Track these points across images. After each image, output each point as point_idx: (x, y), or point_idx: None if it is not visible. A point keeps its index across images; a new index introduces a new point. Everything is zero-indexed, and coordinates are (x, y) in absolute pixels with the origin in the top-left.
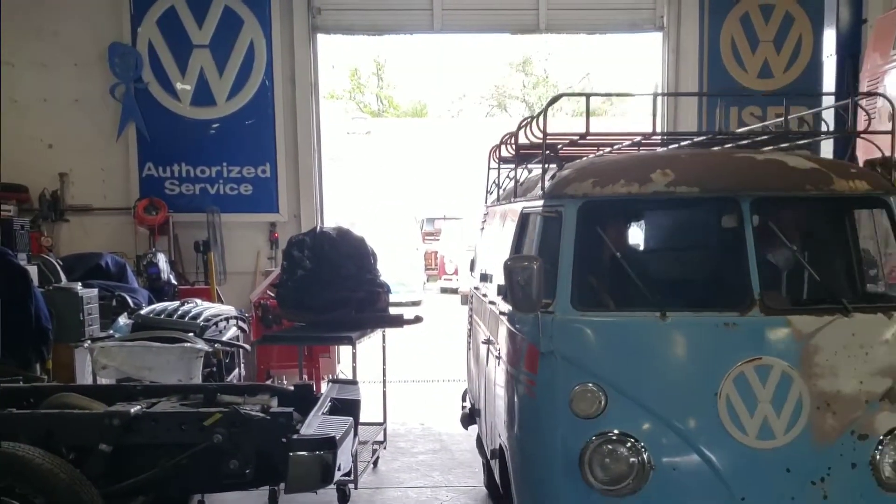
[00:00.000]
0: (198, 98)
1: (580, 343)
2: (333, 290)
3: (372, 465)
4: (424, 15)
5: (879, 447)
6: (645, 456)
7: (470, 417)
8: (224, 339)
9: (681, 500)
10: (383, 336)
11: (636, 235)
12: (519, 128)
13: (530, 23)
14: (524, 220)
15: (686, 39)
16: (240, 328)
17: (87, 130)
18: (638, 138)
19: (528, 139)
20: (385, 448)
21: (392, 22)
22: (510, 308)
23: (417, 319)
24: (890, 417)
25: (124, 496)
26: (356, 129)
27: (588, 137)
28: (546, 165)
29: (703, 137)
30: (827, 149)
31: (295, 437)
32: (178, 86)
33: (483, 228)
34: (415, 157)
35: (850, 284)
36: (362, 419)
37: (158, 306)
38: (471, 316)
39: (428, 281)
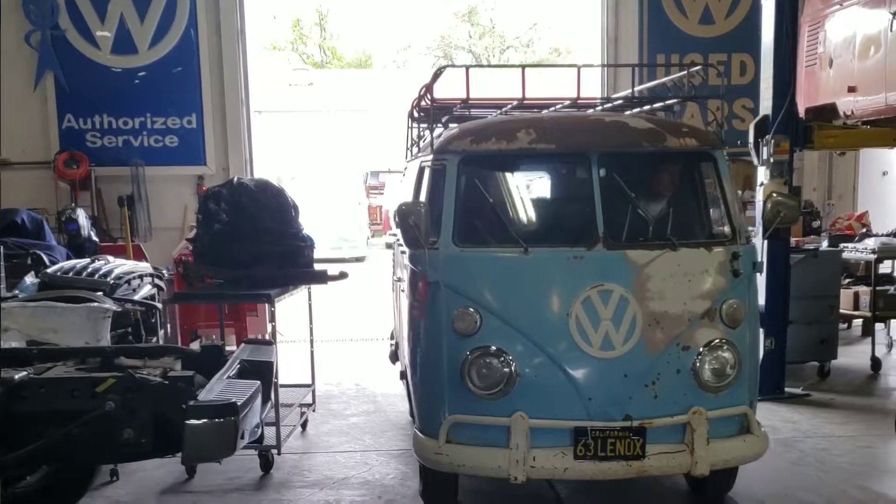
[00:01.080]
0: (119, 46)
1: (460, 273)
2: (252, 244)
3: (300, 429)
4: None
5: (699, 356)
6: (512, 366)
7: (395, 354)
8: (137, 297)
9: (541, 400)
10: (309, 293)
11: (507, 184)
12: (419, 92)
13: None
14: (421, 172)
15: None
16: (156, 286)
17: (3, 81)
18: (515, 103)
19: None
20: (314, 411)
21: None
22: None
23: (342, 275)
24: (708, 332)
25: (19, 467)
26: (298, 80)
27: (470, 102)
28: (434, 125)
29: (568, 101)
30: None
31: (192, 403)
32: (98, 33)
33: (401, 182)
34: (359, 109)
35: (696, 226)
36: (291, 380)
37: (67, 264)
38: (393, 262)
39: (373, 236)
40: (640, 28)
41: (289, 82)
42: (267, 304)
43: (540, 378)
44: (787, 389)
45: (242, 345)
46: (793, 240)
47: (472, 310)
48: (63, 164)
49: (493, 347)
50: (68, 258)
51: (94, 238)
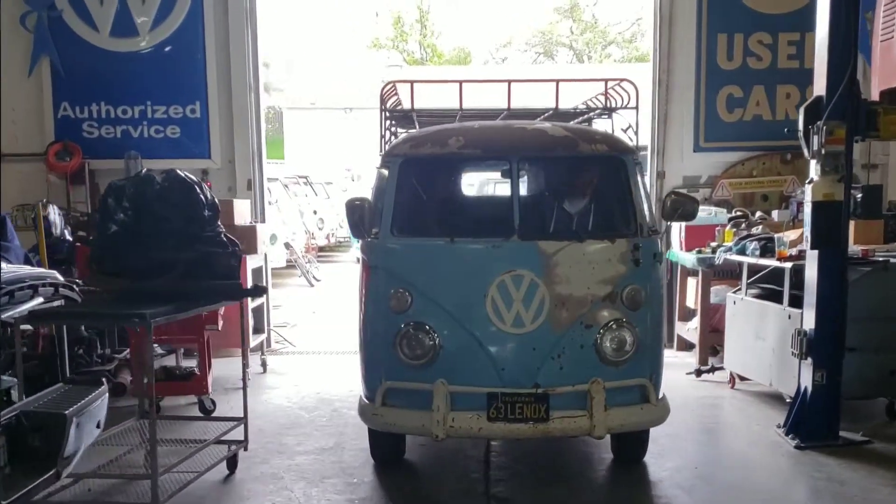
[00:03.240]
0: (118, 28)
1: (395, 259)
2: (154, 250)
3: (227, 471)
4: None
5: (600, 333)
6: (437, 339)
7: None
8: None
9: (461, 369)
10: (241, 306)
11: (439, 183)
12: (381, 98)
13: None
14: (378, 173)
15: None
16: (63, 297)
17: None
18: (458, 115)
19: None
20: (245, 450)
21: None
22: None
23: (258, 291)
24: (609, 313)
25: None
26: (390, 77)
27: (414, 112)
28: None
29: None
30: None
31: None
32: (96, 13)
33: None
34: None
35: (603, 220)
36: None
37: None
38: None
39: None
40: (698, 4)
41: (381, 79)
42: (144, 328)
43: (460, 350)
44: (842, 434)
45: (59, 385)
46: (859, 248)
47: (404, 290)
48: (55, 156)
49: (421, 323)
50: (26, 260)
51: (69, 237)
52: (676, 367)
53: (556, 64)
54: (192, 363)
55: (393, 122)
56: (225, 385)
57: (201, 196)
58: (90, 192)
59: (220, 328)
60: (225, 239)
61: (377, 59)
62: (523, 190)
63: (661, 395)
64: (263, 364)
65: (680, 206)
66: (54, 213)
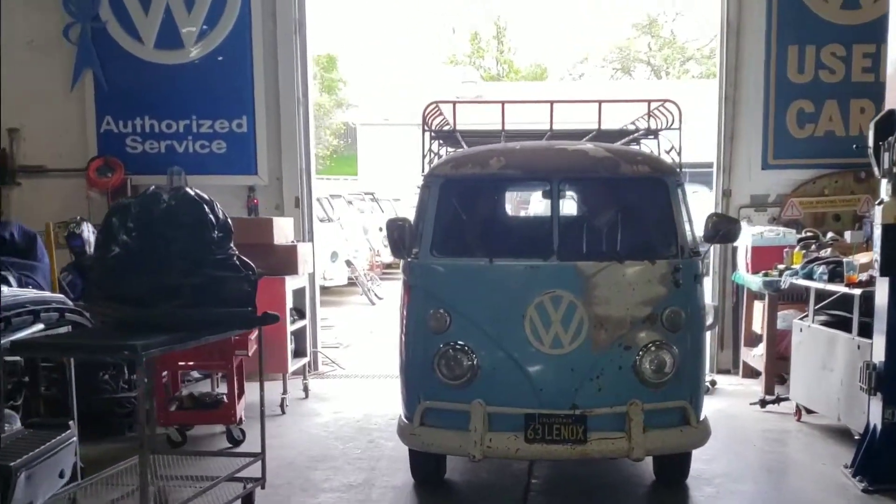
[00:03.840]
0: (163, 39)
1: (434, 279)
2: (158, 274)
3: None
4: None
5: (639, 354)
6: (475, 360)
7: None
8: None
9: (499, 390)
10: (259, 334)
11: (480, 203)
12: (423, 118)
13: None
14: (419, 193)
15: None
16: (71, 322)
17: (40, 79)
18: (501, 135)
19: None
20: (263, 488)
21: None
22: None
23: (270, 318)
24: (649, 335)
25: None
26: (465, 94)
27: (458, 132)
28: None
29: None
30: None
31: None
32: (140, 24)
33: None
34: (528, 122)
35: (644, 241)
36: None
37: None
38: None
39: None
40: (767, 15)
41: (456, 95)
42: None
43: (498, 371)
44: None
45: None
46: None
47: (443, 311)
48: (95, 172)
49: (460, 343)
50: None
51: None
52: (741, 396)
53: (633, 80)
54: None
55: (440, 141)
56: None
57: (210, 216)
58: None
59: (250, 354)
60: (237, 262)
61: (453, 75)
62: (564, 210)
63: (702, 417)
64: (305, 389)
65: (721, 227)
66: (88, 231)
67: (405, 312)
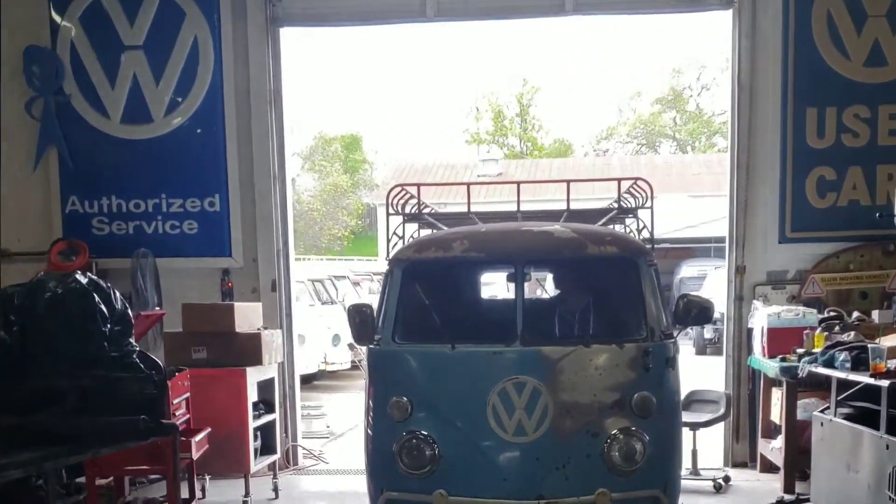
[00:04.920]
0: (131, 113)
1: (395, 366)
2: (41, 376)
3: None
4: None
5: (607, 441)
6: (437, 449)
7: None
8: None
9: (462, 480)
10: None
11: (443, 288)
12: (388, 200)
13: (554, 4)
14: (383, 277)
15: (764, 18)
16: None
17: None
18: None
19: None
20: None
21: (374, 6)
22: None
23: (163, 429)
24: (617, 421)
25: None
26: (487, 171)
27: (426, 216)
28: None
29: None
30: None
31: None
32: (107, 98)
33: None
34: (548, 200)
35: (612, 324)
36: None
37: None
38: None
39: None
40: (783, 75)
41: (477, 175)
42: None
43: (461, 460)
44: None
45: None
46: None
47: (405, 399)
48: (58, 256)
49: (421, 432)
50: None
51: None
52: (757, 495)
53: (658, 155)
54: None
55: (419, 224)
56: None
57: (102, 306)
58: None
59: (195, 456)
60: (138, 360)
61: (476, 154)
62: (533, 293)
63: None
64: (275, 489)
65: (693, 308)
66: None
67: (368, 400)
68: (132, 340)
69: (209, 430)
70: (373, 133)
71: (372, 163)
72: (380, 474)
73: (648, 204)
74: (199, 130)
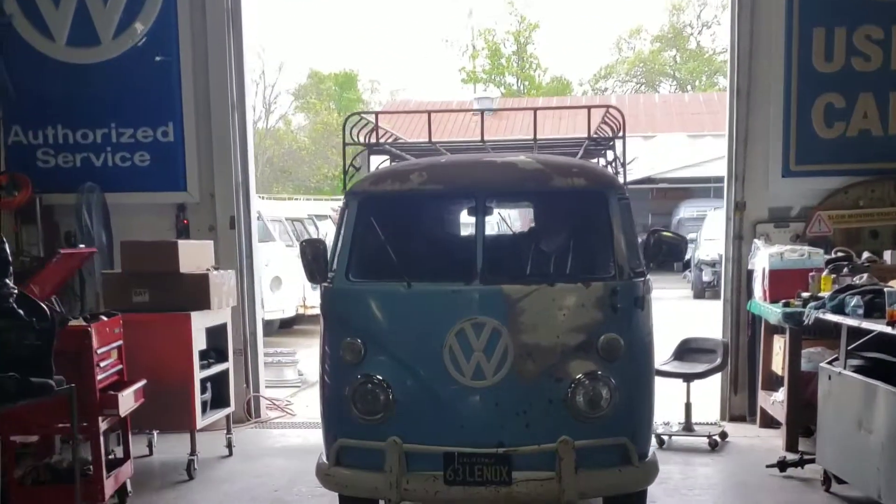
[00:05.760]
0: (77, 35)
1: (349, 306)
2: None
3: None
4: None
5: (571, 386)
6: (391, 393)
7: None
8: None
9: (418, 427)
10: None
11: (400, 223)
12: (344, 129)
13: None
14: (340, 211)
15: None
16: None
17: None
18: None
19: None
20: None
21: None
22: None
23: (46, 388)
24: (582, 365)
25: None
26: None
27: (376, 146)
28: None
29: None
30: None
31: None
32: (51, 19)
33: None
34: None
35: (580, 262)
36: None
37: None
38: None
39: None
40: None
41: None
42: None
43: (416, 405)
44: None
45: None
46: None
47: (358, 340)
48: None
49: (375, 376)
50: None
51: (13, 288)
52: (757, 453)
53: (658, 94)
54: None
55: (391, 158)
56: (169, 476)
57: None
58: (44, 233)
59: (122, 413)
60: (13, 305)
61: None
62: (491, 229)
63: (650, 454)
64: (229, 446)
65: (664, 244)
66: None
67: (322, 344)
68: (8, 282)
69: (143, 382)
70: (368, 72)
71: (368, 102)
72: (333, 421)
73: (619, 134)
74: (150, 53)
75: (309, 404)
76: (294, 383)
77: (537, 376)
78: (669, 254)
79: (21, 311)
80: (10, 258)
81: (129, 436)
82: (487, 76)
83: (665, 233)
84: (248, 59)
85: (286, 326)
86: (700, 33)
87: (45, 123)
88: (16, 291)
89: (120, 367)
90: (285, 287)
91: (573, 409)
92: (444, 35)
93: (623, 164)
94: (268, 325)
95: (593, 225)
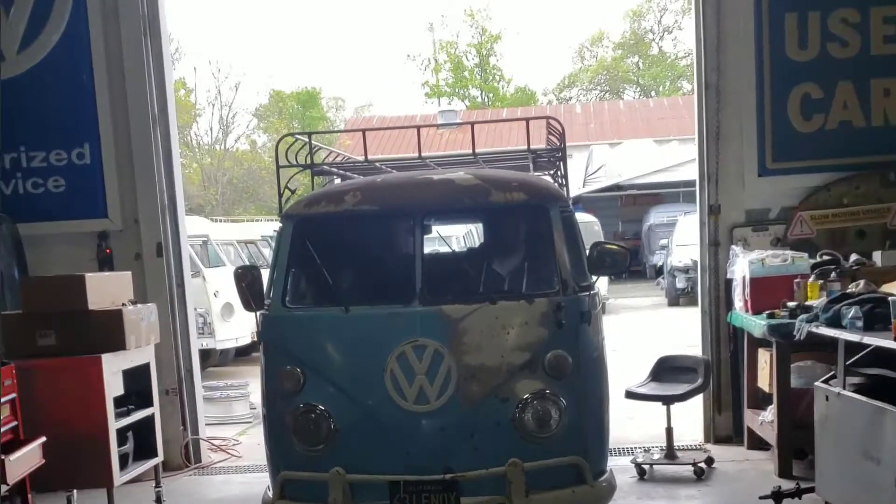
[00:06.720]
0: None
1: (285, 333)
2: None
3: None
4: None
5: (518, 407)
6: (332, 422)
7: None
8: None
9: (362, 456)
10: None
11: (336, 246)
12: (277, 151)
13: None
14: (275, 236)
15: None
16: None
17: None
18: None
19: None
20: None
21: None
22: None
23: None
24: (529, 384)
25: None
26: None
27: (315, 168)
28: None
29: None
30: None
31: None
32: None
33: None
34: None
35: (522, 278)
36: None
37: None
38: None
39: None
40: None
41: (437, 129)
42: None
43: (359, 434)
44: None
45: None
46: None
47: (298, 369)
48: None
49: (316, 405)
50: None
51: None
52: (746, 480)
53: (623, 101)
54: None
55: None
56: None
57: None
58: None
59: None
60: None
61: (435, 108)
62: (430, 248)
63: (606, 472)
64: (158, 499)
65: (607, 256)
66: None
67: (262, 373)
68: None
69: (43, 439)
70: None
71: (333, 120)
72: (276, 453)
73: (557, 146)
74: (60, 68)
75: (260, 442)
76: (244, 418)
77: (483, 398)
78: (613, 265)
79: None
80: None
81: (30, 499)
82: (451, 90)
83: (608, 245)
84: (168, 68)
85: (243, 354)
86: (662, 39)
87: None
88: None
89: (14, 423)
90: (238, 314)
91: (522, 430)
92: (407, 50)
93: (564, 176)
94: (223, 354)
95: (536, 240)
